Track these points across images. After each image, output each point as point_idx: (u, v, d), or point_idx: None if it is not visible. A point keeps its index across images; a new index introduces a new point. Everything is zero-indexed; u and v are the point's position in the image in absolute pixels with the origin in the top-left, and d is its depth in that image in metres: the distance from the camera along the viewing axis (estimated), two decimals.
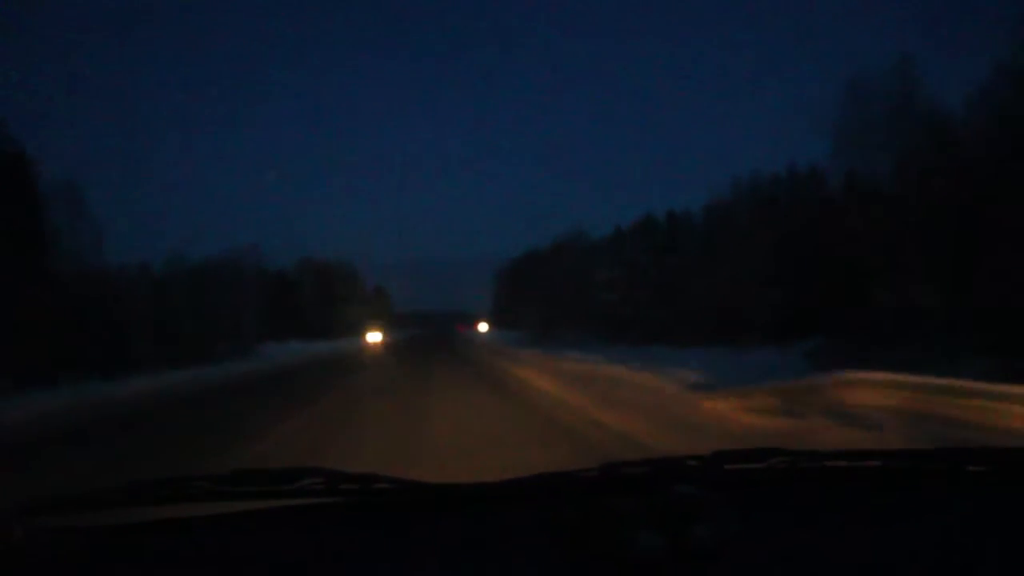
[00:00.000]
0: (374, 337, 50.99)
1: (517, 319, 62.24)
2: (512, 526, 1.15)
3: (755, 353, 21.31)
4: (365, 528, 1.18)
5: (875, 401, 8.09)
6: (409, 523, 1.19)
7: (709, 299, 28.34)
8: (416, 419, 9.22)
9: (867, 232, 15.22)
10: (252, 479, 1.31)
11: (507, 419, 9.56)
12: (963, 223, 14.61)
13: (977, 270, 14.10)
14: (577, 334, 36.94)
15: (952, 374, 7.99)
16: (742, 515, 1.01)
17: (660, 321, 30.94)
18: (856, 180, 31.39)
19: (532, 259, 65.11)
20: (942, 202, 14.98)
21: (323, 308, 53.24)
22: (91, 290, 25.84)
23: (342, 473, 1.28)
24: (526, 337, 41.96)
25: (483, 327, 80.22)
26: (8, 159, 20.12)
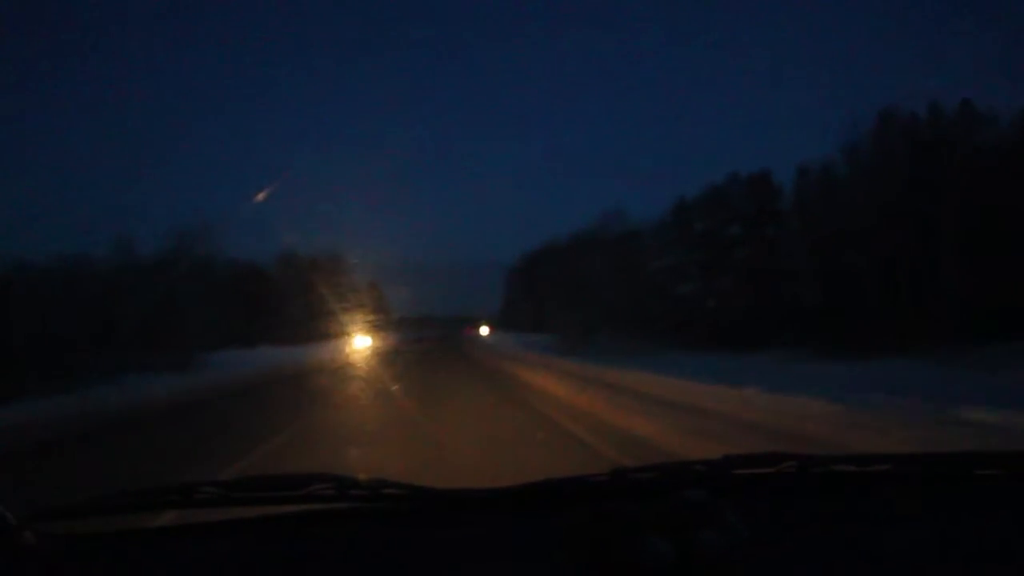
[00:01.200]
0: (363, 342, 41.92)
1: (538, 321, 53.42)
2: (521, 531, 1.13)
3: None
4: (374, 533, 1.17)
5: None
6: (418, 528, 1.17)
7: (846, 286, 19.48)
8: None
9: None
10: (261, 485, 1.28)
11: None
12: None
13: None
14: (629, 338, 28.11)
15: None
16: (750, 520, 0.98)
17: (762, 318, 22.02)
18: None
19: (551, 252, 56.46)
20: None
21: (306, 308, 44.63)
22: None
23: (351, 479, 1.25)
24: (561, 344, 33.12)
25: (484, 330, 72.83)
26: None
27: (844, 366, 15.20)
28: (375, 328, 59.79)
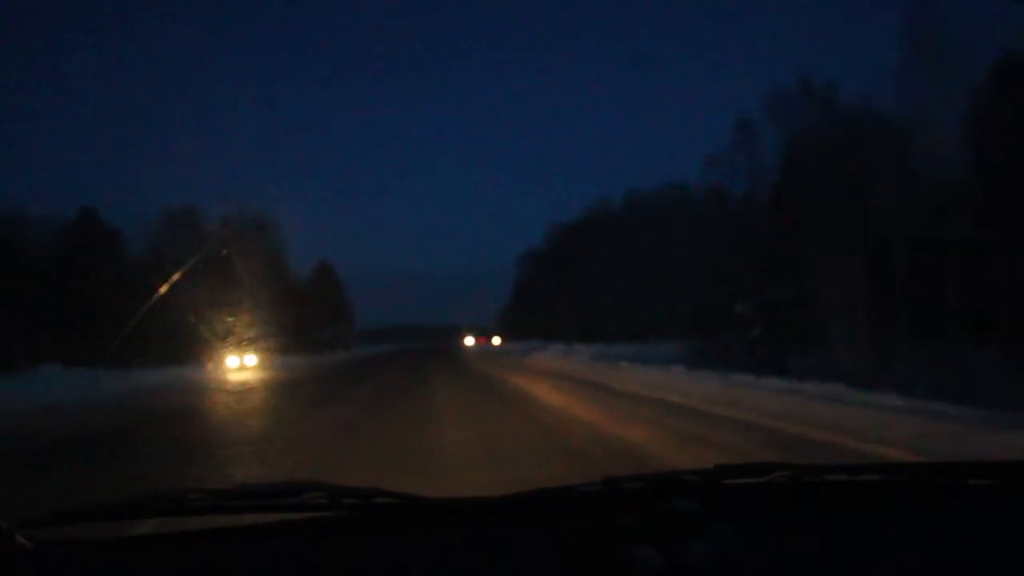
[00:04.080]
0: (248, 362, 21.77)
1: (586, 327, 34.17)
2: (513, 540, 1.12)
3: None
4: (367, 542, 1.15)
5: None
6: (411, 537, 1.16)
7: None
8: None
9: None
10: (253, 493, 1.28)
11: None
12: None
13: None
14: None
15: None
16: (741, 530, 0.96)
17: None
18: None
19: (605, 221, 37.48)
20: None
21: (192, 300, 24.60)
22: None
23: (344, 488, 1.23)
24: (700, 361, 13.80)
25: (469, 340, 59.88)
26: None
27: None
28: (323, 340, 40.31)
